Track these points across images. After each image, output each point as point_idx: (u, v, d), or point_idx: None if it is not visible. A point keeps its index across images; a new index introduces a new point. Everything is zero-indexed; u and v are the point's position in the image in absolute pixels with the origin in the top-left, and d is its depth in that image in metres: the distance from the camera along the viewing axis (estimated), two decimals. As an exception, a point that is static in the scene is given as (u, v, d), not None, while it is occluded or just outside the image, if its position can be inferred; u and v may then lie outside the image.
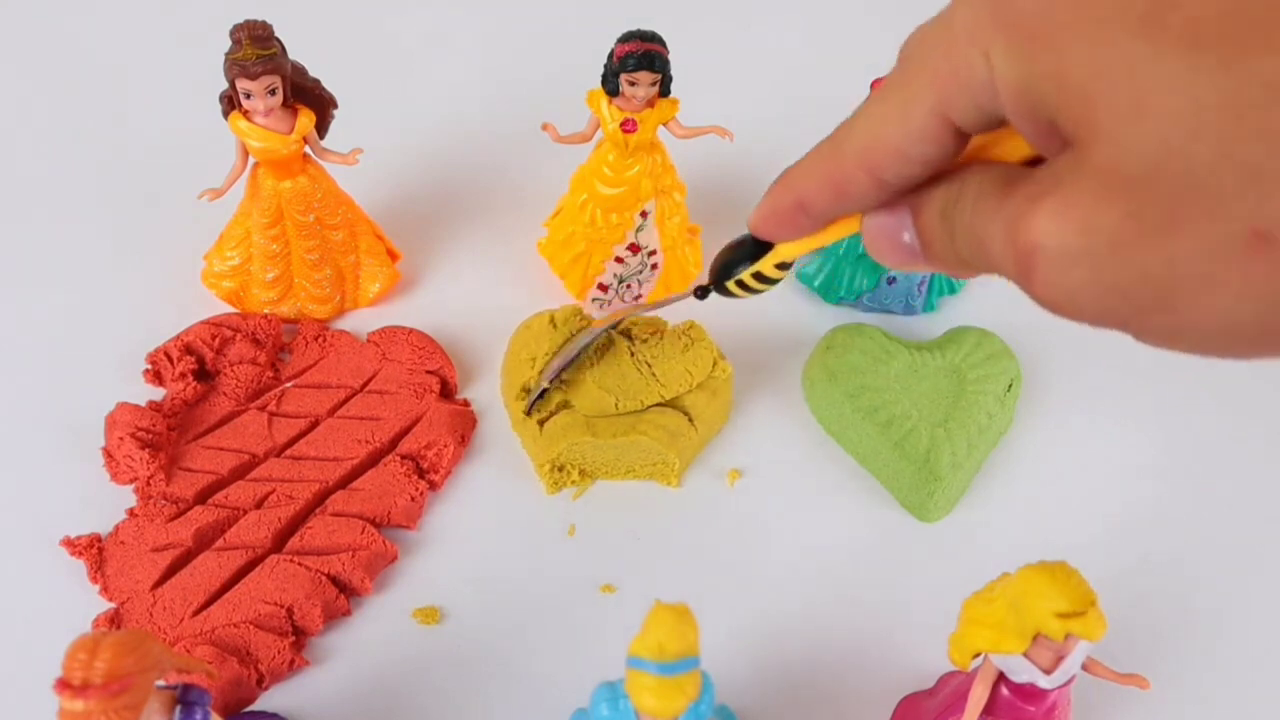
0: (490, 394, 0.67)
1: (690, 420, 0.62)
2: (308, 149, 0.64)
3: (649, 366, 0.62)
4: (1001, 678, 0.46)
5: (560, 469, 0.62)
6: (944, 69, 0.25)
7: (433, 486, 0.62)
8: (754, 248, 0.37)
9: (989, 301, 0.72)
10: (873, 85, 0.64)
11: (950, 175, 0.28)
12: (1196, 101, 0.21)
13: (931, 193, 0.28)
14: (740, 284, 0.39)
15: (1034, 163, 0.27)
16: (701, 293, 0.42)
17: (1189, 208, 0.21)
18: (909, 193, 0.29)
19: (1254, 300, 0.21)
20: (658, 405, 0.62)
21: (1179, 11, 0.21)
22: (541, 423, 0.62)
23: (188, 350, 0.65)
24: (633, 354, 0.62)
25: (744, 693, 0.55)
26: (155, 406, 0.62)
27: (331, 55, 0.69)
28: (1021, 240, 0.24)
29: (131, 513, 0.59)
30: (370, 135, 0.69)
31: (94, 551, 0.58)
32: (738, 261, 0.38)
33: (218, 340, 0.66)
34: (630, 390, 0.61)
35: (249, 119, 0.61)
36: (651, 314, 0.64)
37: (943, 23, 0.26)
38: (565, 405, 0.62)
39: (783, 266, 0.38)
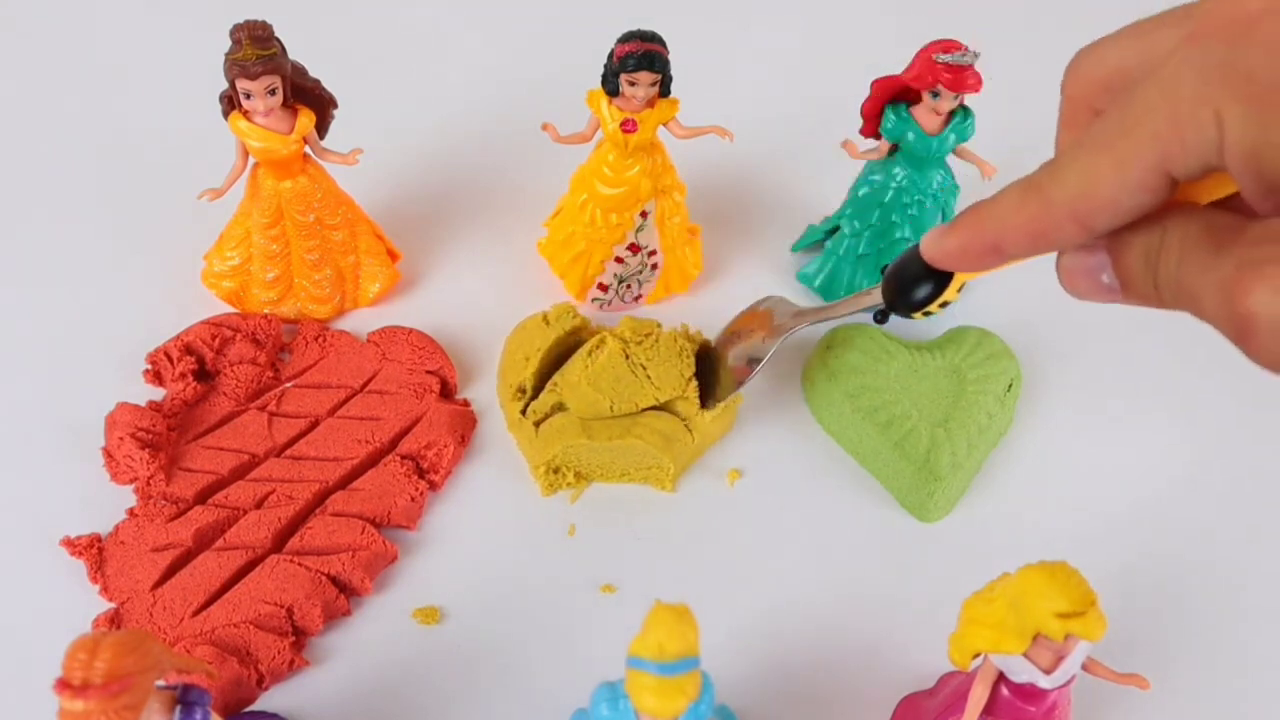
0: (490, 394, 0.67)
1: (687, 426, 0.62)
2: (308, 149, 0.64)
3: (643, 369, 0.62)
4: (1001, 678, 0.46)
5: (555, 471, 0.62)
6: (1167, 128, 0.26)
7: (433, 486, 0.62)
8: (926, 269, 0.37)
9: (989, 301, 0.72)
10: (873, 85, 0.64)
11: (1149, 220, 0.28)
12: None
13: (1131, 238, 0.29)
14: (925, 311, 0.40)
15: (1227, 200, 0.28)
16: (881, 317, 0.43)
17: None
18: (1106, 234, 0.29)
19: None
20: (654, 409, 0.62)
21: None
22: (537, 424, 0.62)
23: (188, 350, 0.65)
24: (627, 356, 0.62)
25: (744, 693, 0.55)
26: (155, 406, 0.62)
27: (331, 55, 0.69)
28: (1240, 308, 0.24)
29: (131, 513, 0.59)
30: (370, 135, 0.69)
31: (94, 551, 0.58)
32: (912, 282, 0.39)
33: (218, 340, 0.66)
34: (625, 393, 0.61)
35: (249, 119, 0.61)
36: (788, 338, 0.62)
37: (1166, 86, 0.26)
38: (560, 407, 0.62)
39: (959, 289, 0.38)
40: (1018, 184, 0.30)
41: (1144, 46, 0.29)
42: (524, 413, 0.62)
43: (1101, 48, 0.31)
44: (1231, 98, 0.24)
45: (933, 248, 0.33)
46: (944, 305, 0.39)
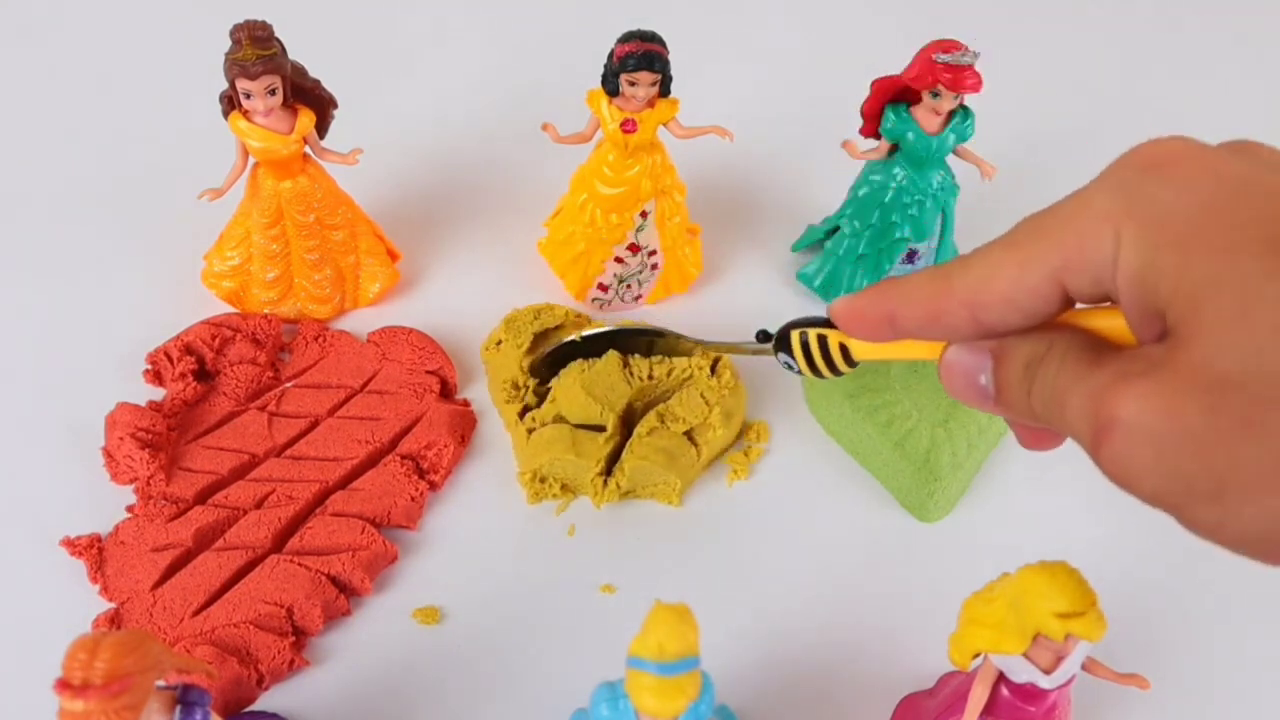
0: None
1: (693, 441, 0.62)
2: (308, 149, 0.64)
3: (641, 380, 0.62)
4: (1001, 678, 0.46)
5: (542, 480, 0.62)
6: (1071, 239, 0.27)
7: (433, 487, 0.62)
8: (827, 324, 0.38)
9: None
10: (873, 85, 0.64)
11: (1039, 331, 0.29)
12: None
13: (1018, 343, 0.30)
14: (805, 349, 0.39)
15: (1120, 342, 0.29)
16: (763, 336, 0.43)
17: (1266, 415, 0.23)
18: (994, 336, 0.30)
19: None
20: (657, 426, 0.62)
21: None
22: (530, 431, 0.62)
23: (188, 350, 0.65)
24: (626, 364, 0.61)
25: (744, 693, 0.55)
26: (155, 406, 0.62)
27: (331, 55, 0.69)
28: (1104, 412, 0.26)
29: (132, 512, 0.59)
30: (370, 135, 0.69)
31: (94, 551, 0.58)
32: (804, 322, 0.39)
33: (218, 340, 0.66)
34: (617, 403, 0.61)
35: (249, 119, 0.61)
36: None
37: (1080, 200, 0.28)
38: (560, 418, 0.62)
39: (848, 360, 0.38)
40: (931, 267, 0.31)
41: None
42: (521, 416, 0.62)
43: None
44: (1131, 219, 0.26)
45: (838, 302, 0.35)
46: (829, 365, 0.39)
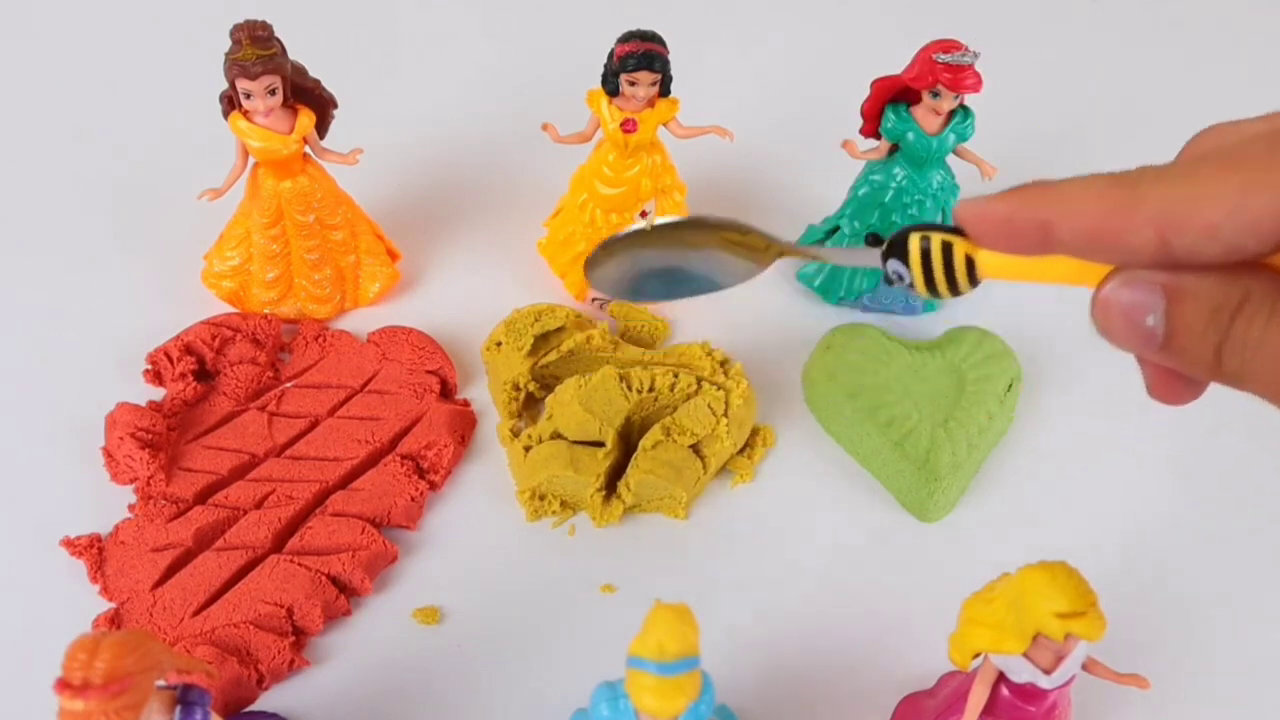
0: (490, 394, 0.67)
1: (699, 454, 0.61)
2: (308, 149, 0.64)
3: (639, 393, 0.61)
4: (1001, 678, 0.46)
5: (541, 498, 0.61)
6: None
7: (433, 486, 0.62)
8: (949, 232, 0.32)
9: (989, 302, 0.72)
10: (873, 85, 0.64)
11: (1230, 273, 0.24)
12: None
13: (1202, 284, 0.24)
14: (925, 256, 0.32)
15: None
16: (874, 240, 0.37)
17: None
18: (1168, 271, 0.25)
19: None
20: (661, 440, 0.61)
21: None
22: (527, 449, 0.61)
23: (188, 350, 0.65)
24: (622, 378, 0.61)
25: (744, 693, 0.55)
26: (155, 406, 0.62)
27: (331, 55, 0.69)
28: None
29: (132, 512, 0.59)
30: (370, 135, 0.69)
31: (94, 551, 0.58)
32: (931, 231, 0.32)
33: (218, 340, 0.66)
34: (615, 418, 0.61)
35: (249, 119, 0.61)
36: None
37: None
38: (557, 435, 0.62)
39: (972, 278, 0.32)
40: (1104, 174, 0.25)
41: None
42: (515, 433, 0.62)
43: (1236, 123, 0.27)
44: None
45: (972, 207, 0.28)
46: (950, 281, 0.32)
